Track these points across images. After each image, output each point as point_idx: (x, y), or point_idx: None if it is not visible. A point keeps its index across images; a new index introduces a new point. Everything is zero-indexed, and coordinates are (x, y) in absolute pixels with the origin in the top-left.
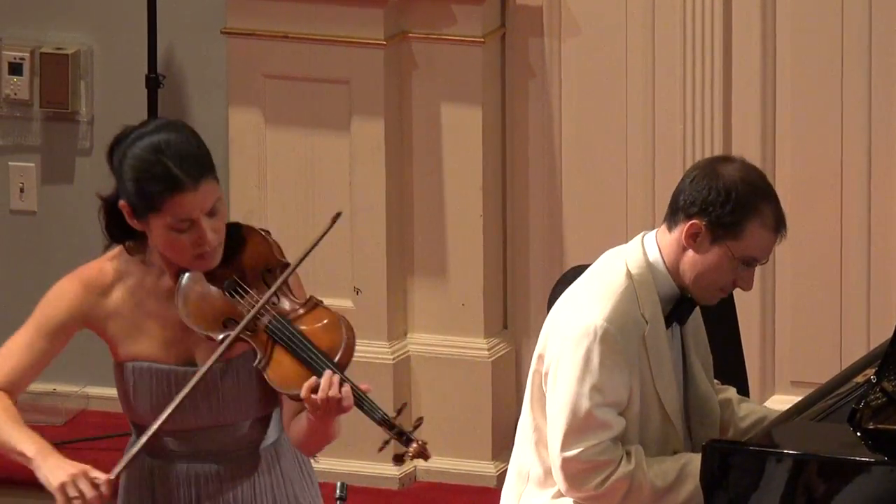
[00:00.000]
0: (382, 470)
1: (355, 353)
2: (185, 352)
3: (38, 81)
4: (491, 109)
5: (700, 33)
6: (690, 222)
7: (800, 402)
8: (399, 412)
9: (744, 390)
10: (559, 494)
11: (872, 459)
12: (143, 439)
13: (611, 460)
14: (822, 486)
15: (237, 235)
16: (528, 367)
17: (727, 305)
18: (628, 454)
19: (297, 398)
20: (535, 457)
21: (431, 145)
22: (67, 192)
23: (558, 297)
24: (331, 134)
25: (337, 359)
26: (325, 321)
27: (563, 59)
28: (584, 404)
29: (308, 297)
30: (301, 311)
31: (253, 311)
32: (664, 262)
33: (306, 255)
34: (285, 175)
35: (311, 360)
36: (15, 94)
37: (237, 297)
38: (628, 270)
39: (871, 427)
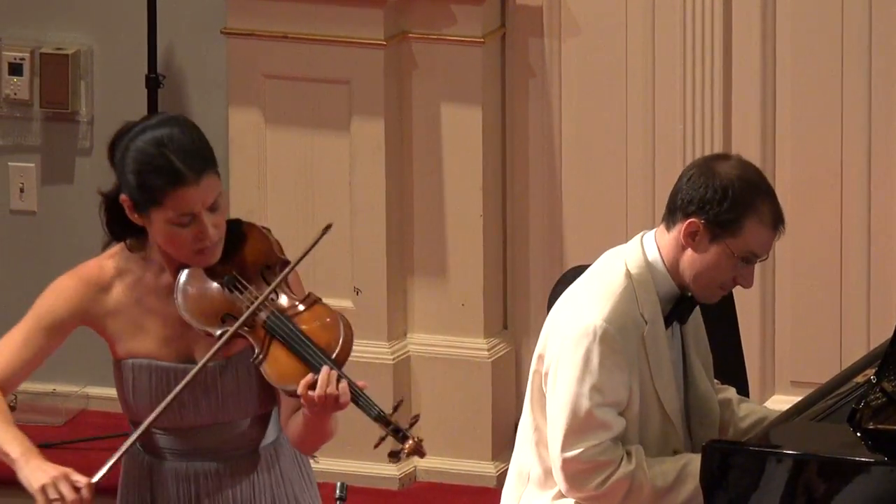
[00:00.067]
0: (382, 470)
1: (355, 353)
2: (184, 349)
3: (38, 81)
4: (491, 109)
5: (700, 33)
6: (688, 221)
7: (800, 402)
8: (396, 409)
9: (744, 390)
10: (559, 495)
11: (872, 459)
12: (134, 436)
13: (611, 460)
14: (822, 486)
15: (237, 231)
16: (528, 367)
17: (727, 305)
18: (629, 454)
19: (293, 394)
20: (535, 457)
21: (431, 145)
22: (67, 192)
23: (558, 297)
24: (331, 134)
25: (334, 356)
26: (324, 318)
27: (563, 59)
28: (584, 404)
29: (307, 293)
30: (299, 307)
31: (251, 308)
32: (663, 261)
33: (295, 265)
34: (285, 175)
35: (309, 356)
36: (15, 94)
37: (236, 292)
38: (627, 270)
39: (871, 427)
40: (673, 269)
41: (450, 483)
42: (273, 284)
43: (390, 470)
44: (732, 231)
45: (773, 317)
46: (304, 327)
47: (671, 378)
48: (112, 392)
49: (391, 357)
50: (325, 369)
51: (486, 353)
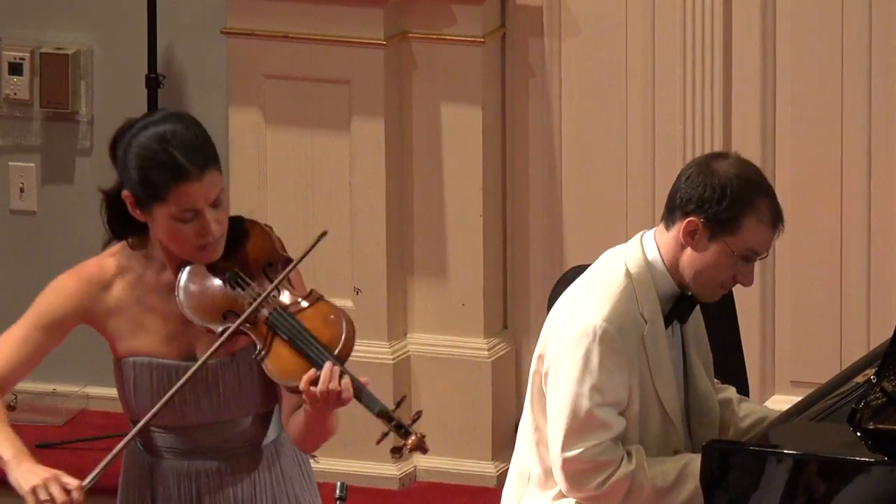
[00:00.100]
0: (382, 470)
1: (355, 353)
2: (186, 346)
3: (38, 81)
4: (491, 109)
5: (700, 33)
6: (687, 220)
7: (800, 402)
8: (398, 405)
9: (744, 390)
10: (560, 495)
11: (872, 459)
12: (130, 434)
13: (611, 460)
14: (822, 486)
15: (239, 228)
16: (528, 367)
17: (727, 305)
18: (629, 454)
19: (295, 390)
20: (535, 457)
21: (431, 145)
22: (67, 192)
23: (558, 297)
24: (331, 134)
25: (337, 352)
26: (327, 315)
27: (563, 59)
28: (584, 404)
29: (310, 290)
30: (302, 304)
31: (254, 305)
32: (663, 260)
33: (290, 270)
34: (285, 175)
35: (312, 352)
36: (15, 94)
37: (238, 289)
38: (627, 270)
39: (871, 427)
40: (673, 268)
41: (450, 483)
42: (276, 281)
43: (390, 470)
44: (731, 229)
45: (773, 317)
46: (306, 324)
47: (671, 377)
48: (112, 392)
49: (391, 357)
50: (327, 365)
51: (486, 353)
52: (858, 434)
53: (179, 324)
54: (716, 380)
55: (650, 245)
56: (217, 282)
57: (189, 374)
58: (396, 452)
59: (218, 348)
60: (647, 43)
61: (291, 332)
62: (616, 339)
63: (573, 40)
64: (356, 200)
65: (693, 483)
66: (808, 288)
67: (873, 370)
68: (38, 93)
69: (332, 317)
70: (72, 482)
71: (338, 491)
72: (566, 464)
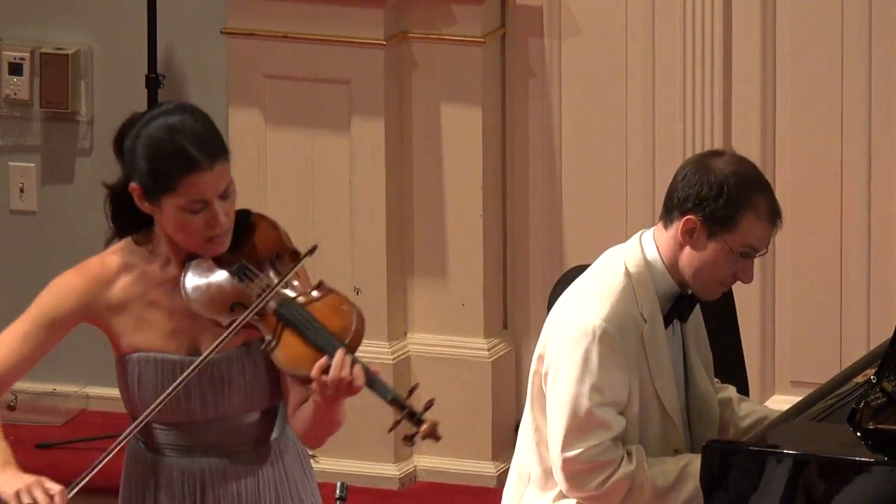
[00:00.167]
0: (382, 470)
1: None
2: (190, 342)
3: (38, 81)
4: (491, 109)
5: (700, 33)
6: (685, 218)
7: (800, 402)
8: (411, 392)
9: (744, 390)
10: (560, 496)
11: (872, 459)
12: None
13: (611, 460)
14: (822, 486)
15: (246, 222)
16: (528, 367)
17: (727, 305)
18: (629, 454)
19: (306, 380)
20: (535, 458)
21: (431, 145)
22: (67, 192)
23: (558, 297)
24: (331, 134)
25: (348, 341)
26: (336, 305)
27: (563, 59)
28: (584, 404)
29: (318, 282)
30: (311, 295)
31: (265, 296)
32: (662, 260)
33: (277, 285)
34: (285, 175)
35: (322, 342)
36: (15, 94)
37: (247, 280)
38: (626, 269)
39: (871, 427)
40: (672, 267)
41: (450, 483)
42: (287, 275)
43: (390, 470)
44: (729, 227)
45: (773, 317)
46: (316, 314)
47: (671, 377)
48: (112, 392)
49: (391, 357)
50: (339, 352)
51: (486, 353)
52: (858, 434)
53: (184, 319)
54: (716, 379)
55: (649, 244)
56: (224, 274)
57: (195, 366)
58: (409, 440)
59: (226, 340)
60: (647, 43)
61: (301, 323)
62: (615, 339)
63: (573, 40)
64: (356, 200)
65: (693, 483)
66: (808, 288)
67: (873, 370)
68: (38, 93)
69: (341, 307)
70: (54, 487)
71: (338, 491)
72: (566, 464)
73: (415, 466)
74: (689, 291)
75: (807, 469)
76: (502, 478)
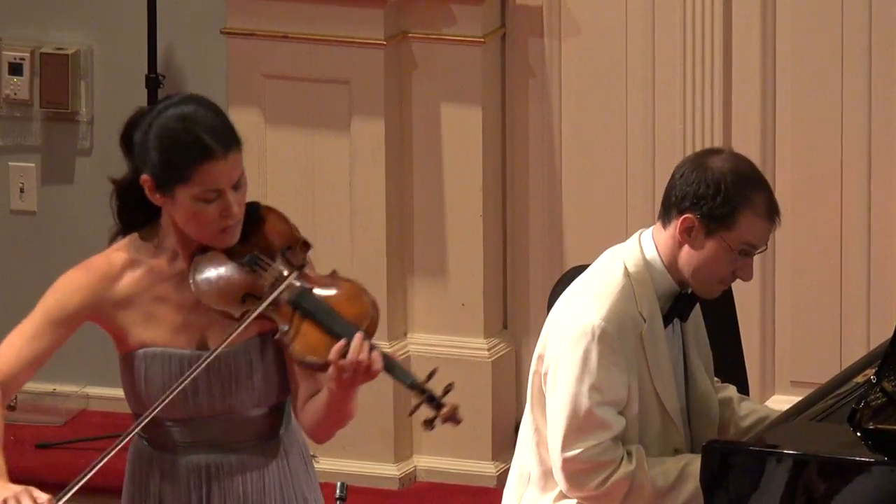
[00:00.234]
0: (382, 470)
1: None
2: (198, 336)
3: (38, 81)
4: (491, 109)
5: (700, 33)
6: (683, 217)
7: (800, 402)
8: (430, 377)
9: (744, 390)
10: (560, 496)
11: (872, 459)
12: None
13: (611, 460)
14: (822, 486)
15: (256, 214)
16: (528, 367)
17: (727, 305)
18: (629, 454)
19: (323, 367)
20: (535, 458)
21: (431, 145)
22: (67, 192)
23: (558, 297)
24: (331, 134)
25: (364, 327)
26: (350, 292)
27: (563, 59)
28: (584, 403)
29: (332, 271)
30: (325, 283)
31: (281, 288)
32: (661, 259)
33: (293, 275)
34: (285, 175)
35: (339, 328)
36: (15, 94)
37: (259, 270)
38: (626, 269)
39: (871, 427)
40: (671, 266)
41: (450, 483)
42: (302, 264)
43: (390, 470)
44: (727, 225)
45: (773, 317)
46: (331, 302)
47: (671, 377)
48: (112, 392)
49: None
50: (358, 336)
51: (486, 353)
52: (858, 434)
53: (192, 313)
54: (716, 379)
55: (648, 244)
56: (234, 266)
57: (207, 357)
58: (429, 425)
59: (238, 331)
60: (647, 43)
61: (317, 311)
62: (615, 339)
63: (573, 40)
64: (356, 200)
65: (693, 483)
66: (808, 288)
67: (873, 370)
68: (38, 93)
69: (357, 295)
70: (42, 496)
71: (338, 491)
72: (566, 464)
73: (415, 466)
74: (689, 290)
75: (807, 469)
76: (502, 478)
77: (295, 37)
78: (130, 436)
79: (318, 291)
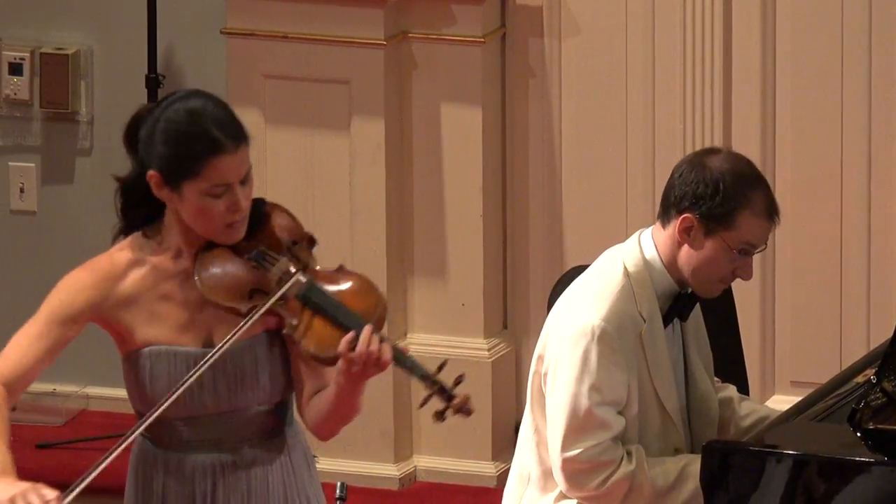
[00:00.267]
0: (382, 470)
1: None
2: (203, 334)
3: (38, 81)
4: (491, 109)
5: (700, 33)
6: (682, 217)
7: (800, 402)
8: (440, 368)
9: (744, 390)
10: (560, 497)
11: (872, 459)
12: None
13: (611, 460)
14: (822, 487)
15: (261, 210)
16: (528, 367)
17: (727, 305)
18: (629, 454)
19: (332, 360)
20: (535, 458)
21: (431, 145)
22: (67, 192)
23: (558, 297)
24: (331, 134)
25: (374, 320)
26: (358, 285)
27: (563, 59)
28: (584, 403)
29: (339, 265)
30: (332, 277)
31: (289, 283)
32: (661, 258)
33: (302, 269)
34: (285, 175)
35: (348, 321)
36: (15, 94)
37: (267, 264)
38: (625, 269)
39: (871, 427)
40: (671, 265)
41: (450, 483)
42: (309, 258)
43: (390, 470)
44: (726, 224)
45: (773, 317)
46: (339, 296)
47: (670, 376)
48: (112, 392)
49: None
50: (367, 327)
51: (486, 353)
52: (858, 434)
53: (197, 311)
54: (716, 378)
55: (647, 244)
56: (240, 262)
57: (215, 352)
58: (440, 416)
59: (246, 326)
60: (647, 43)
61: (326, 304)
62: (614, 339)
63: (573, 40)
64: (356, 200)
65: (693, 483)
66: (808, 288)
67: (873, 370)
68: (38, 93)
69: (364, 288)
70: (50, 493)
71: (338, 491)
72: (566, 464)
73: (415, 466)
74: (689, 290)
75: (807, 469)
76: (502, 478)
77: (295, 37)
78: (138, 431)
79: (326, 285)
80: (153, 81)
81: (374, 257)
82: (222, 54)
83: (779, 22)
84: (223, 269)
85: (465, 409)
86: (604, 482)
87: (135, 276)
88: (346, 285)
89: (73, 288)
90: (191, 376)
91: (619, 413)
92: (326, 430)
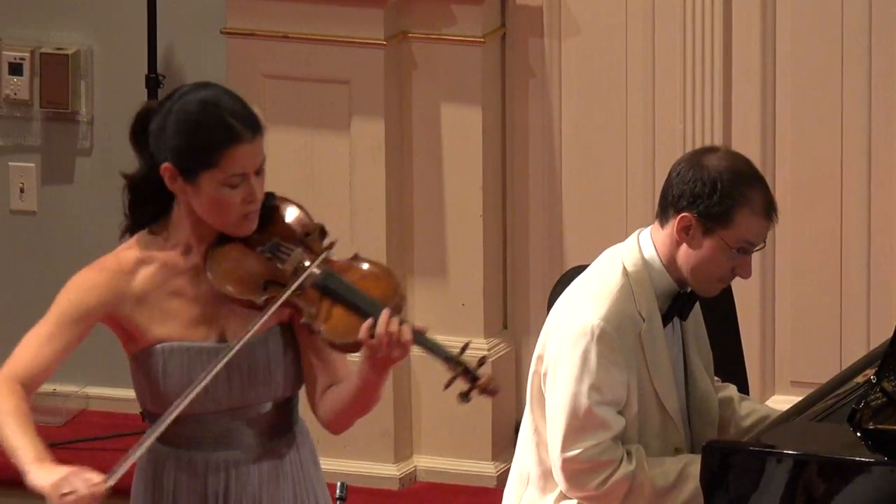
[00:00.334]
0: (382, 470)
1: (354, 354)
2: (215, 329)
3: (38, 81)
4: (491, 109)
5: (700, 33)
6: (681, 216)
7: (800, 402)
8: (463, 350)
9: (744, 389)
10: (561, 497)
11: (872, 459)
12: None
13: (611, 460)
14: (822, 487)
15: (271, 203)
16: (528, 367)
17: (727, 305)
18: (629, 454)
19: (354, 347)
20: (534, 459)
21: (431, 145)
22: (67, 192)
23: (558, 297)
24: (331, 134)
25: (392, 305)
26: (374, 272)
27: (563, 59)
28: (583, 403)
29: (353, 254)
30: (348, 264)
31: (308, 271)
32: (660, 258)
33: (319, 258)
34: (285, 175)
35: (367, 306)
36: (15, 94)
37: (282, 255)
38: (624, 268)
39: (871, 427)
40: (670, 265)
41: (450, 483)
42: (324, 248)
43: (390, 470)
44: (724, 223)
45: (773, 317)
46: (356, 283)
47: (670, 376)
48: (112, 392)
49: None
50: (385, 311)
51: (486, 352)
52: (858, 434)
53: (208, 306)
54: (716, 378)
55: (646, 243)
56: (254, 253)
57: (238, 345)
58: (464, 398)
59: (266, 318)
60: (647, 43)
61: (344, 292)
62: (614, 338)
63: (573, 40)
64: (356, 200)
65: (693, 483)
66: (808, 288)
67: (873, 370)
68: (38, 93)
69: (381, 274)
70: (94, 476)
71: (338, 491)
72: (566, 464)
73: (415, 466)
74: (688, 289)
75: (807, 469)
76: (502, 478)
77: (295, 37)
78: (165, 424)
79: (342, 274)
80: (153, 81)
81: (374, 257)
82: (222, 54)
83: (779, 22)
84: (237, 262)
85: (490, 390)
86: (604, 482)
87: (144, 274)
88: (362, 272)
89: (82, 287)
90: (216, 367)
91: (619, 413)
92: (343, 423)
